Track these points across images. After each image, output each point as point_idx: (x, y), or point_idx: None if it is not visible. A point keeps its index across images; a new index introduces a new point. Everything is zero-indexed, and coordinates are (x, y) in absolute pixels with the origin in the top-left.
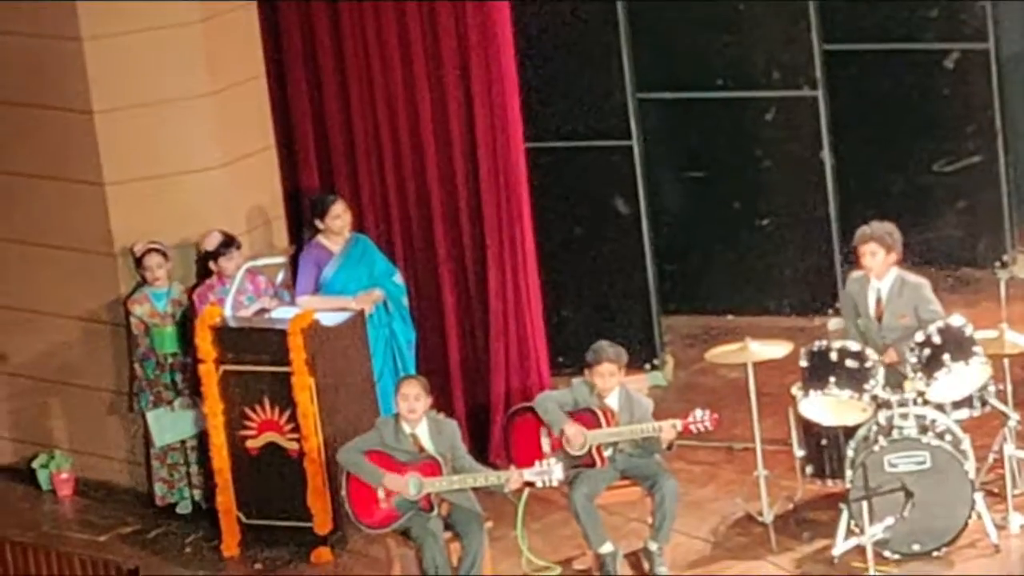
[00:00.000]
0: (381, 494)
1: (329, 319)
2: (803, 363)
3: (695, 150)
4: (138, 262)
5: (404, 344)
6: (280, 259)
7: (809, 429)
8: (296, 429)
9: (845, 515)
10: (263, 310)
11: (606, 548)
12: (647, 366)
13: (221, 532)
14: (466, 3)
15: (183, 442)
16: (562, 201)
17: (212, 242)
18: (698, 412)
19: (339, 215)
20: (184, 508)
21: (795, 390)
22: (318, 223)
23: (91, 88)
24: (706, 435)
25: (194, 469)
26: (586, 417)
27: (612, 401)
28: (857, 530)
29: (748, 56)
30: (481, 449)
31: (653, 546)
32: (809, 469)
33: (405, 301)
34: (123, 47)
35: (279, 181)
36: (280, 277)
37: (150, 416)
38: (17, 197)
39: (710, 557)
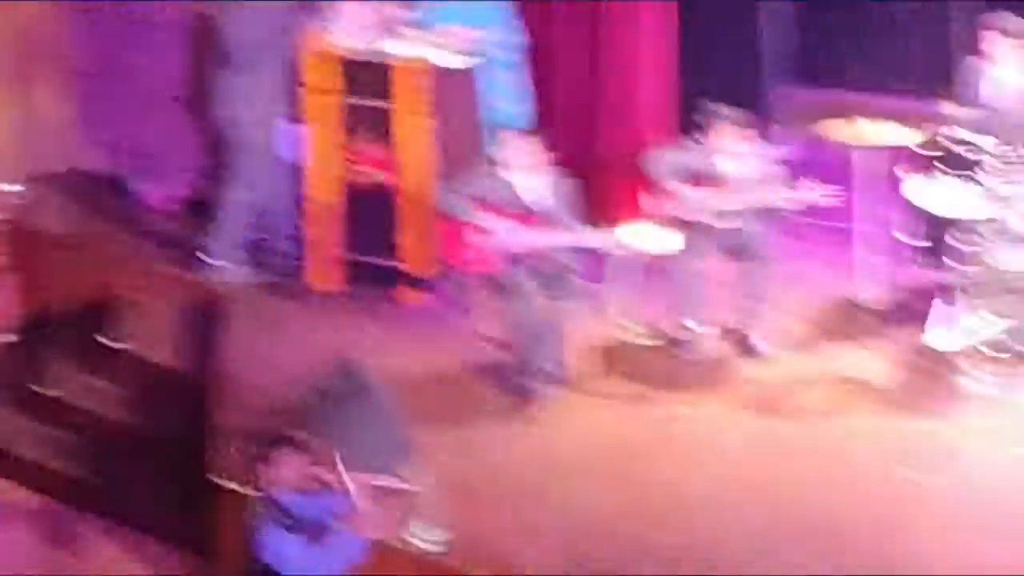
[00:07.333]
0: (476, 240)
1: (442, 60)
2: (917, 149)
3: None
4: None
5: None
6: None
7: (919, 217)
8: (400, 168)
9: (950, 309)
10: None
11: (698, 324)
12: None
13: (316, 266)
14: None
15: None
16: None
17: None
18: (814, 184)
19: None
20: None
21: (906, 175)
22: None
23: None
24: (811, 213)
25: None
26: (698, 181)
27: (731, 164)
28: (964, 326)
29: None
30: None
31: (745, 325)
32: (918, 258)
33: (503, 54)
34: None
35: None
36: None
37: None
38: None
39: (809, 338)
